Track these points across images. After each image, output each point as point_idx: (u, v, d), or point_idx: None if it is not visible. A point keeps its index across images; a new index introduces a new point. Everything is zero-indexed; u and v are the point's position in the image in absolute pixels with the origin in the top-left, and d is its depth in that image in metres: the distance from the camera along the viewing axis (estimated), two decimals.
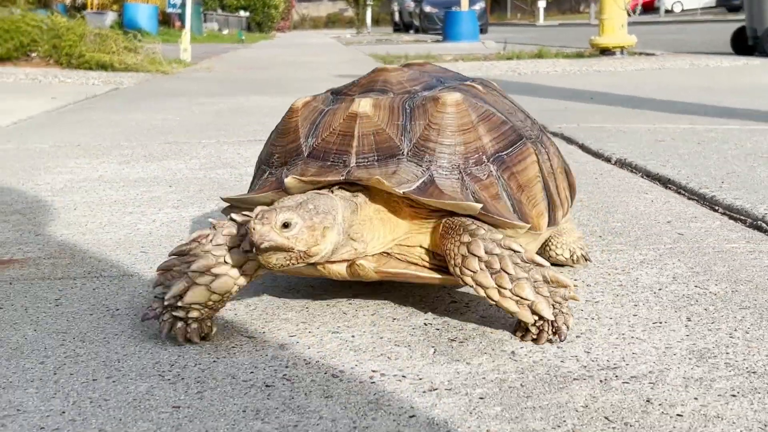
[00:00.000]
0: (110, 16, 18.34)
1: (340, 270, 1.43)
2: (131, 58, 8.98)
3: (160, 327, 1.40)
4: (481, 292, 1.36)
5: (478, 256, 1.34)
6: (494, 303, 1.37)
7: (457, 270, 1.37)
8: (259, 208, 1.26)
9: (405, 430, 1.12)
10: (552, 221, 1.56)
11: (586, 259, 1.78)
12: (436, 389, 1.24)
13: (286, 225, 1.24)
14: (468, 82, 1.64)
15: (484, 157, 1.45)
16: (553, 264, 1.66)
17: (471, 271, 1.35)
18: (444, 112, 1.46)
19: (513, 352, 1.37)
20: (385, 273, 1.45)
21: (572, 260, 1.76)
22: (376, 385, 1.26)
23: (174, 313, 1.38)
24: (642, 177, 2.85)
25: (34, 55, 8.90)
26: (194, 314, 1.38)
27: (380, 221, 1.43)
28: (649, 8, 39.28)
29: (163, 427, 1.14)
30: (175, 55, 10.34)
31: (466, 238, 1.35)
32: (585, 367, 1.31)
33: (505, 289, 1.33)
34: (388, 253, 1.46)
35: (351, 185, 1.42)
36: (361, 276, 1.45)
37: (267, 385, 1.26)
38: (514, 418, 1.15)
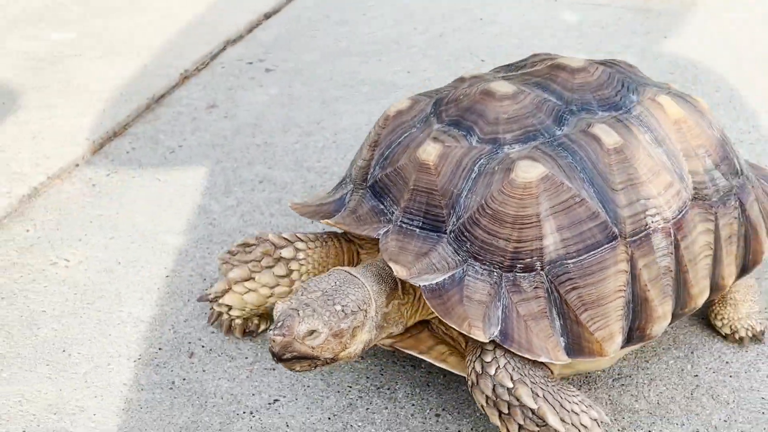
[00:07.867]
0: None
1: None
2: None
3: (209, 313, 1.47)
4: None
5: (486, 395, 1.15)
6: None
7: (470, 387, 1.19)
8: (279, 309, 1.17)
9: None
10: (637, 336, 1.25)
11: (757, 338, 1.39)
12: None
13: (310, 333, 1.15)
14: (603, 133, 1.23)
15: (539, 263, 1.17)
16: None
17: (480, 401, 1.17)
18: (507, 195, 1.17)
19: None
20: (399, 348, 1.29)
21: (735, 339, 1.40)
22: None
23: (216, 308, 1.44)
24: None
25: None
26: (236, 312, 1.41)
27: None
28: None
29: None
30: None
31: (478, 367, 1.17)
32: None
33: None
34: (427, 321, 1.29)
35: None
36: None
37: None
38: None
